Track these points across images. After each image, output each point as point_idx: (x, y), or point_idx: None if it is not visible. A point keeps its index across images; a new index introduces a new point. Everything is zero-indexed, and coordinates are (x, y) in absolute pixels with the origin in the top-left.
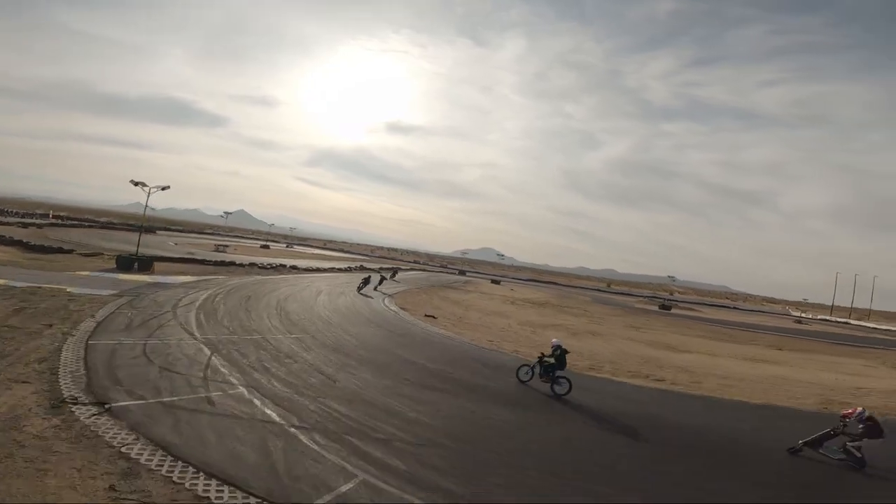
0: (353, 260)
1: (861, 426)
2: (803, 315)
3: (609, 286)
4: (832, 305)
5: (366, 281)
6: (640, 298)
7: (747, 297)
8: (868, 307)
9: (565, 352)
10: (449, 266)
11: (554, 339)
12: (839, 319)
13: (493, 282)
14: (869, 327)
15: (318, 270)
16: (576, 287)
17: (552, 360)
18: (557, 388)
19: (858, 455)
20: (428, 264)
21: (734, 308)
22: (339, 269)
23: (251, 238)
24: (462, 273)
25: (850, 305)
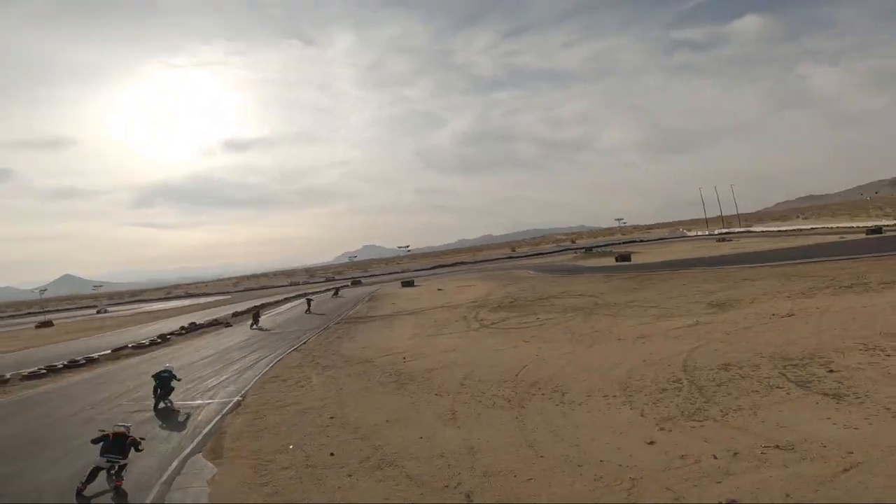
0: (204, 307)
1: None
2: (725, 231)
3: (514, 250)
4: (721, 217)
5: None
6: (575, 254)
7: (622, 230)
8: (722, 215)
9: None
10: (337, 277)
11: None
12: (770, 228)
13: (405, 284)
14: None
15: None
16: (490, 261)
17: None
18: None
19: None
20: (310, 281)
21: (660, 240)
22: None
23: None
24: (356, 283)
25: (720, 216)
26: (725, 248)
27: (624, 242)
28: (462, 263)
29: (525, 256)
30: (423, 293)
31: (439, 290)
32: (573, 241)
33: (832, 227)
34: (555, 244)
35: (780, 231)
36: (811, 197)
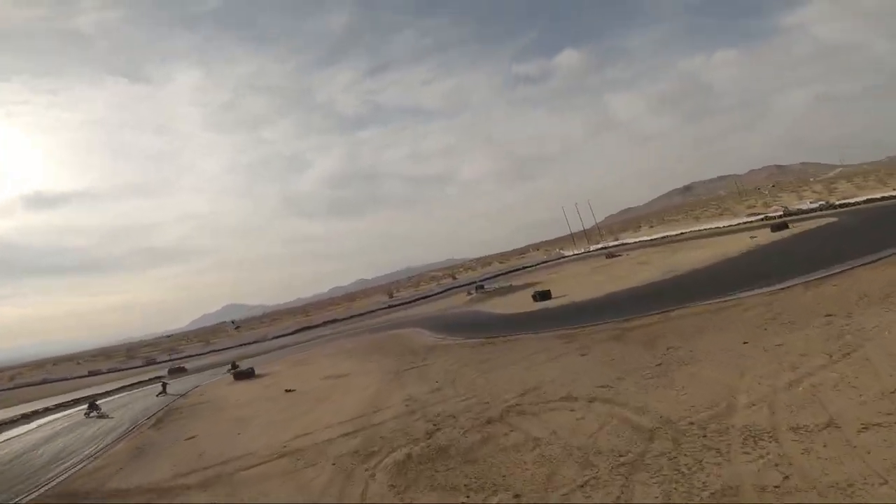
0: None
1: None
2: (603, 246)
3: (392, 296)
4: (585, 232)
5: None
6: (469, 294)
7: (488, 260)
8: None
9: None
10: (173, 355)
11: None
12: (643, 238)
13: (239, 376)
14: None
15: None
16: (367, 314)
17: None
18: None
19: None
20: (120, 368)
21: (543, 264)
22: None
23: None
24: (177, 372)
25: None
26: (653, 268)
27: (509, 272)
28: (333, 322)
29: (407, 303)
30: (256, 404)
31: (288, 391)
32: (454, 278)
33: (712, 228)
34: (435, 283)
35: (654, 240)
36: (627, 210)
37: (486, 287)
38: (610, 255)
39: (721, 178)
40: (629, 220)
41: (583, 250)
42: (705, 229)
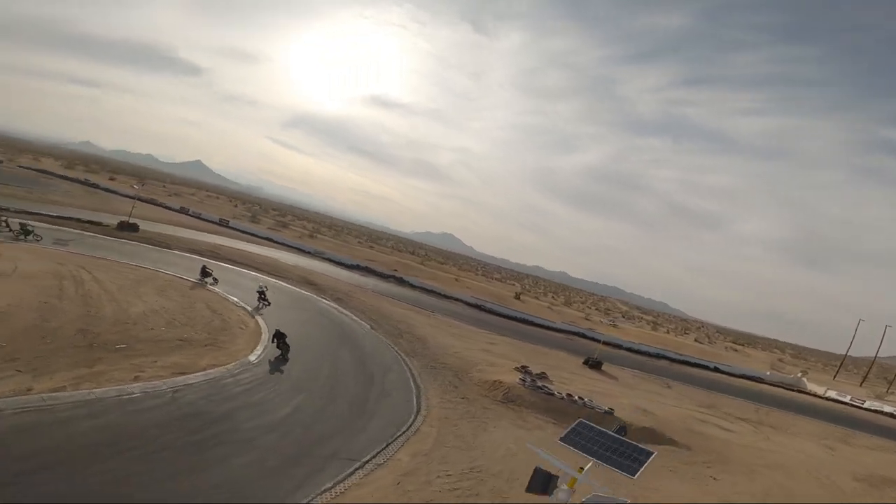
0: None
1: None
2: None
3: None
4: (845, 355)
5: None
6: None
7: (703, 330)
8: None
9: None
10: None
11: None
12: None
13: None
14: None
15: None
16: (575, 335)
17: None
18: None
19: None
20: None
21: (715, 370)
22: None
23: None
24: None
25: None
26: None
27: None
28: (548, 328)
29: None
30: None
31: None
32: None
33: None
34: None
35: None
36: None
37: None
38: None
39: None
40: None
41: (848, 398)
42: None
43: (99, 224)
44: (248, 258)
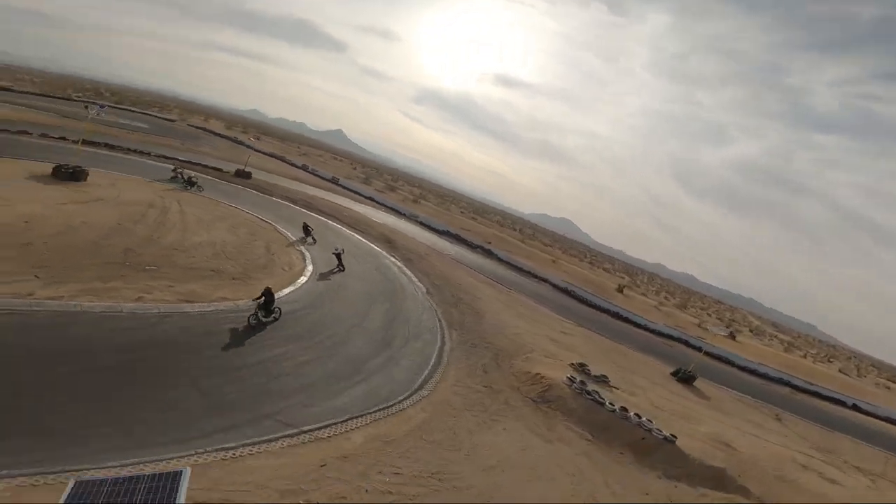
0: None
1: None
2: None
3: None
4: None
5: None
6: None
7: (853, 360)
8: None
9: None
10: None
11: None
12: None
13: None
14: None
15: None
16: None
17: None
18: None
19: None
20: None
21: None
22: None
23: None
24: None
25: None
26: None
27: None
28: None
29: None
30: None
31: None
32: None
33: None
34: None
35: None
36: None
37: None
38: None
39: None
40: None
41: None
42: None
43: (220, 170)
44: (336, 210)
